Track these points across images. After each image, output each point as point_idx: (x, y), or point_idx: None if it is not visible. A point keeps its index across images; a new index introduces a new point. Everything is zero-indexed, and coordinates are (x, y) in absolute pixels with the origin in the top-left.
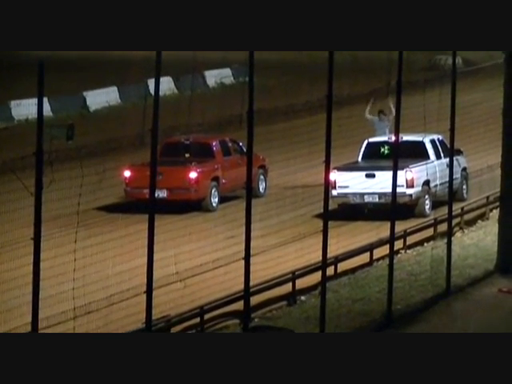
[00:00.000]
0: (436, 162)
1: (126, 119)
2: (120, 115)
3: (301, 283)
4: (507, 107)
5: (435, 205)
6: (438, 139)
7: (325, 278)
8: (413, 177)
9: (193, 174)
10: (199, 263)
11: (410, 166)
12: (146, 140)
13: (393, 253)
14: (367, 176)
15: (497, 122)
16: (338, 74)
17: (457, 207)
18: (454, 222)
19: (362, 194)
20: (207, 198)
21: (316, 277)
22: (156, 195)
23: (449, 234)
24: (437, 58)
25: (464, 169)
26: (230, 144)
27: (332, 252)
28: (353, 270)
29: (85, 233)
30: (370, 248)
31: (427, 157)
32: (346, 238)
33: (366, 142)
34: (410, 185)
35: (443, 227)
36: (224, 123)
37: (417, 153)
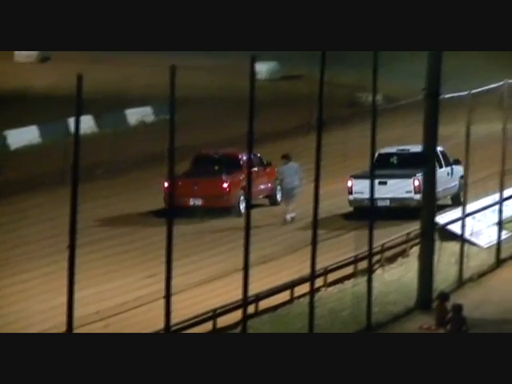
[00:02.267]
0: (439, 171)
1: (47, 157)
2: (41, 153)
3: (222, 321)
4: (426, 142)
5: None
6: (441, 151)
7: (246, 316)
8: (420, 183)
9: (225, 184)
10: (121, 301)
11: (417, 175)
12: (67, 177)
13: (313, 290)
14: (380, 183)
15: None
16: (260, 110)
17: (377, 244)
18: (375, 258)
19: (376, 199)
20: (237, 205)
21: (237, 315)
22: (192, 203)
23: (369, 270)
24: (357, 94)
25: (461, 176)
26: (252, 157)
27: (254, 289)
28: (274, 308)
29: None
30: (291, 285)
31: None
32: (270, 274)
33: (377, 153)
34: (417, 191)
35: (364, 264)
36: (146, 160)
37: (422, 162)
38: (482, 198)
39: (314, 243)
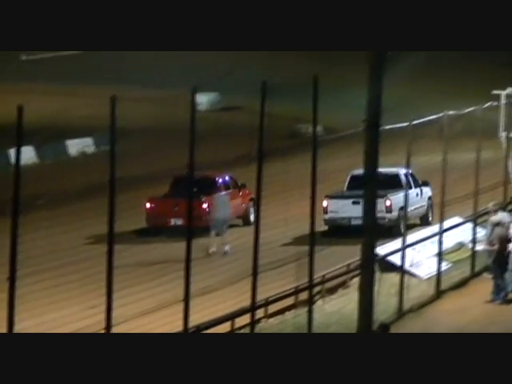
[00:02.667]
0: (409, 191)
1: None
2: None
3: None
4: (367, 173)
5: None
6: (409, 172)
7: None
8: (391, 203)
9: (205, 205)
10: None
11: (389, 195)
12: (7, 209)
13: (254, 321)
14: (353, 203)
15: None
16: (201, 141)
17: (318, 275)
18: (316, 289)
19: (350, 218)
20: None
21: None
22: (173, 223)
23: (310, 301)
24: (298, 126)
25: (429, 197)
26: (227, 179)
27: (195, 321)
28: None
29: None
30: (231, 317)
31: (401, 187)
32: (211, 305)
33: (350, 175)
34: (388, 210)
35: (305, 295)
36: (87, 191)
37: (393, 184)
38: (422, 229)
39: (255, 274)
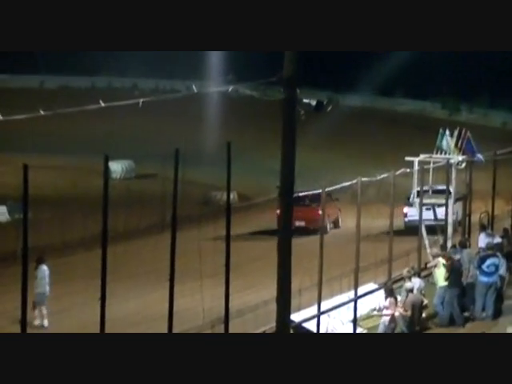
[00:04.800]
0: None
1: None
2: None
3: None
4: (280, 239)
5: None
6: None
7: None
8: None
9: (319, 212)
10: None
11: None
12: None
13: None
14: (427, 209)
15: (273, 255)
16: (114, 209)
17: None
18: None
19: (425, 220)
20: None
21: None
22: (298, 224)
23: None
24: (212, 193)
25: None
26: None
27: None
28: None
29: None
30: None
31: None
32: None
33: (415, 190)
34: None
35: None
36: None
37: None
38: (337, 295)
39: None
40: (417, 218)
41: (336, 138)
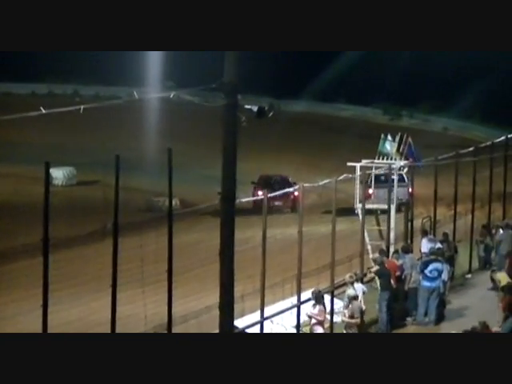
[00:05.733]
0: None
1: None
2: None
3: None
4: (223, 247)
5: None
6: None
7: None
8: None
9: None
10: None
11: None
12: None
13: None
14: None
15: (216, 261)
16: (55, 216)
17: None
18: None
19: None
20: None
21: None
22: (277, 203)
23: None
24: (153, 199)
25: None
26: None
27: None
28: None
29: None
30: None
31: None
32: None
33: (358, 196)
34: None
35: None
36: None
37: None
38: (279, 301)
39: None
40: None
41: (278, 144)
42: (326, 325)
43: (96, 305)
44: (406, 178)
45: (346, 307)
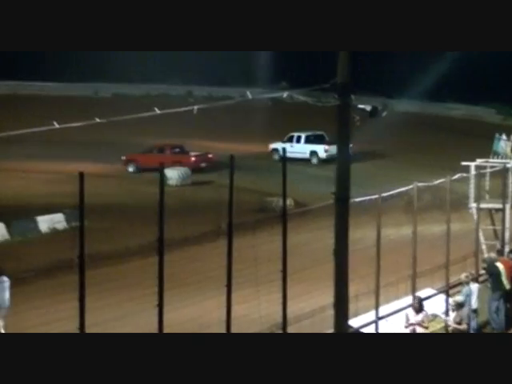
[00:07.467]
0: None
1: None
2: None
3: None
4: (338, 248)
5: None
6: None
7: None
8: None
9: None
10: None
11: None
12: None
13: None
14: None
15: (328, 261)
16: (170, 216)
17: None
18: None
19: None
20: None
21: None
22: (204, 165)
23: None
24: (267, 199)
25: None
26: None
27: None
28: None
29: None
30: None
31: None
32: None
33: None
34: None
35: None
36: (53, 268)
37: None
38: (394, 301)
39: None
40: None
41: (390, 144)
42: (429, 330)
43: (209, 305)
44: None
45: (453, 311)
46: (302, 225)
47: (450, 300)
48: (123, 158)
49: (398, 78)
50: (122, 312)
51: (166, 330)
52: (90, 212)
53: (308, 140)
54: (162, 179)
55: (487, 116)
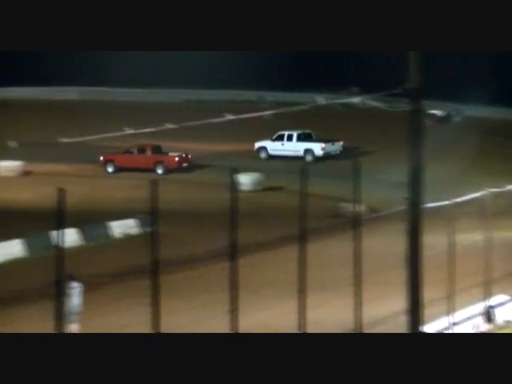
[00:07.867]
0: None
1: (31, 271)
2: (24, 267)
3: None
4: (411, 253)
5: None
6: None
7: None
8: None
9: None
10: None
11: None
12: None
13: None
14: None
15: (400, 266)
16: (241, 221)
17: None
18: None
19: None
20: None
21: None
22: (184, 165)
23: None
24: (341, 205)
25: None
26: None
27: None
28: None
29: None
30: None
31: None
32: None
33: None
34: None
35: None
36: (127, 273)
37: None
38: (466, 307)
39: None
40: None
41: (461, 149)
42: None
43: (281, 310)
44: None
45: None
46: (376, 230)
47: None
48: (101, 158)
49: (468, 82)
50: (195, 317)
51: None
52: (164, 217)
53: (300, 138)
54: (234, 184)
55: None
